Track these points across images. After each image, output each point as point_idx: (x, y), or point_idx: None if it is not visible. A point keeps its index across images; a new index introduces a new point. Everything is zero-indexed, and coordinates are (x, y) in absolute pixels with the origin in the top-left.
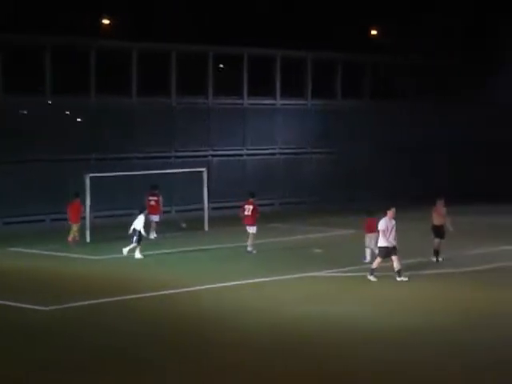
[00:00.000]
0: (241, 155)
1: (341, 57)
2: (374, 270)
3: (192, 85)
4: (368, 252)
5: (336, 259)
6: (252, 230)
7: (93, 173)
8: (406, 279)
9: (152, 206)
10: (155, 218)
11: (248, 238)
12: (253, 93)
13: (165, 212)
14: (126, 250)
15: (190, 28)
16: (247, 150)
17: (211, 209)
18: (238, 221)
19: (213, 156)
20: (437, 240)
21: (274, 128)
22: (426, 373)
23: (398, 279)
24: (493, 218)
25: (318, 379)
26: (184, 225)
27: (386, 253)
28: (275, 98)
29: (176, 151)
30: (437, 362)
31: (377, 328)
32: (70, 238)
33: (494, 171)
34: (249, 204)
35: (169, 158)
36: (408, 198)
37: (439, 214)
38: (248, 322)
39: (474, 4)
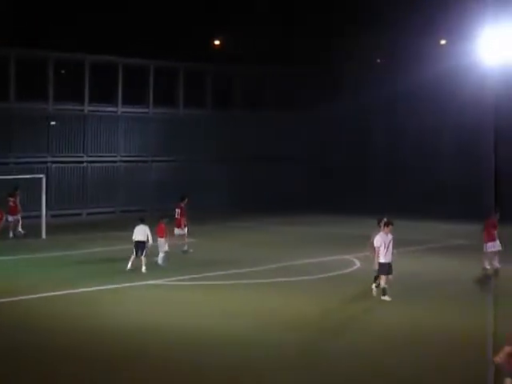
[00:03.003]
0: (81, 162)
1: (183, 66)
2: (385, 288)
3: (32, 90)
4: (161, 256)
5: (177, 267)
6: (179, 231)
7: None
8: (389, 299)
9: (11, 206)
10: (13, 218)
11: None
12: (94, 100)
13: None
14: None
15: (30, 33)
16: (88, 156)
17: (50, 216)
18: (77, 228)
19: (52, 162)
20: None
21: (116, 135)
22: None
23: (382, 298)
24: (328, 228)
25: None
26: None
27: (386, 268)
28: (117, 106)
29: (15, 157)
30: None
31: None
32: None
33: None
34: (178, 207)
35: (7, 164)
36: (241, 207)
37: None
38: (74, 328)
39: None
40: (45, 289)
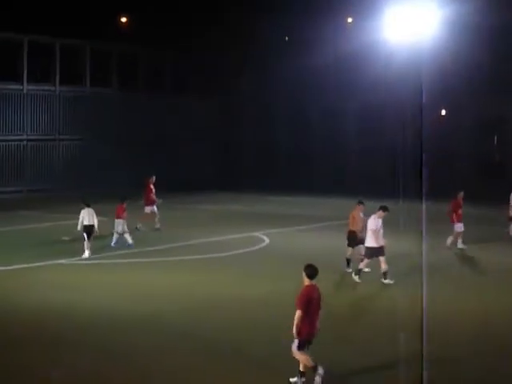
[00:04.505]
0: None
1: (89, 43)
2: (361, 270)
3: None
4: (115, 237)
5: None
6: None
7: None
8: (392, 282)
9: None
10: None
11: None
12: None
13: None
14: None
15: None
16: None
17: None
18: None
19: None
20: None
21: (22, 114)
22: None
23: (385, 282)
24: (235, 206)
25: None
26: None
27: (373, 253)
28: (22, 84)
29: None
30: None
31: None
32: None
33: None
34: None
35: None
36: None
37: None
38: None
39: None
40: None
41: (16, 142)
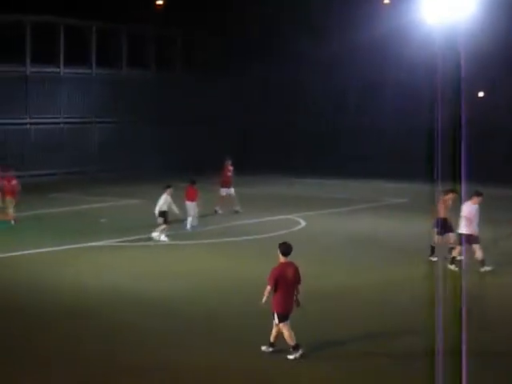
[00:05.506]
0: (24, 124)
1: (125, 27)
2: (455, 258)
3: None
4: (189, 220)
5: (121, 229)
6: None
7: None
8: (490, 268)
9: None
10: None
11: None
12: (36, 61)
13: None
14: (156, 234)
15: None
16: (30, 118)
17: None
18: (24, 191)
19: None
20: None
21: (59, 97)
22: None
23: (482, 270)
24: (270, 189)
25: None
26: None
27: (467, 240)
28: (59, 67)
29: None
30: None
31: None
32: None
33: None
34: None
35: None
36: (183, 168)
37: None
38: (29, 289)
39: None
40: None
41: (52, 125)
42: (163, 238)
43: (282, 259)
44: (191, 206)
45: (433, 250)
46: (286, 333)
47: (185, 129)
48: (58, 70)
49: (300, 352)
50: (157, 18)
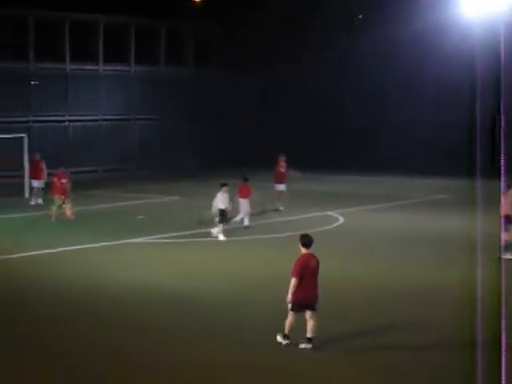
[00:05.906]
0: (63, 121)
1: (164, 24)
2: (508, 246)
3: (12, 49)
4: (241, 217)
5: (159, 226)
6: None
7: None
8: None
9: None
10: (37, 183)
11: None
12: (76, 59)
13: None
14: (215, 231)
15: None
16: (69, 115)
17: None
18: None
19: (34, 122)
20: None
21: (97, 94)
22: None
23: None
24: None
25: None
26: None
27: None
28: (98, 64)
29: None
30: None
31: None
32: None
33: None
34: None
35: None
36: (223, 165)
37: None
38: (66, 286)
39: None
40: (31, 248)
41: (91, 122)
42: (221, 237)
43: (303, 251)
44: (244, 203)
45: (506, 248)
46: (289, 319)
47: (222, 126)
48: (97, 67)
49: (287, 341)
50: (195, 15)
